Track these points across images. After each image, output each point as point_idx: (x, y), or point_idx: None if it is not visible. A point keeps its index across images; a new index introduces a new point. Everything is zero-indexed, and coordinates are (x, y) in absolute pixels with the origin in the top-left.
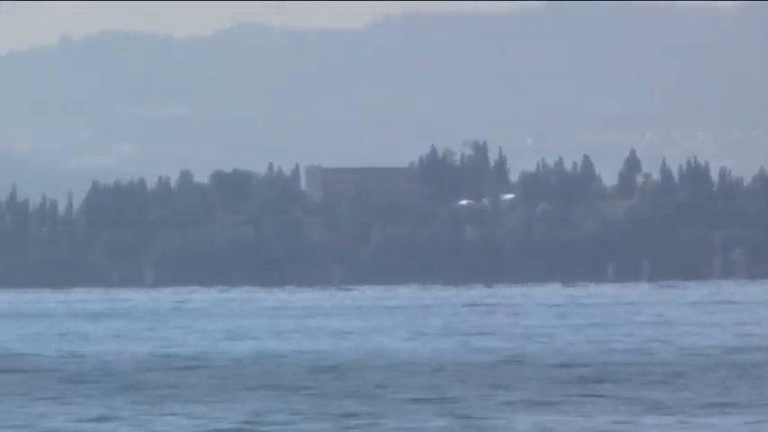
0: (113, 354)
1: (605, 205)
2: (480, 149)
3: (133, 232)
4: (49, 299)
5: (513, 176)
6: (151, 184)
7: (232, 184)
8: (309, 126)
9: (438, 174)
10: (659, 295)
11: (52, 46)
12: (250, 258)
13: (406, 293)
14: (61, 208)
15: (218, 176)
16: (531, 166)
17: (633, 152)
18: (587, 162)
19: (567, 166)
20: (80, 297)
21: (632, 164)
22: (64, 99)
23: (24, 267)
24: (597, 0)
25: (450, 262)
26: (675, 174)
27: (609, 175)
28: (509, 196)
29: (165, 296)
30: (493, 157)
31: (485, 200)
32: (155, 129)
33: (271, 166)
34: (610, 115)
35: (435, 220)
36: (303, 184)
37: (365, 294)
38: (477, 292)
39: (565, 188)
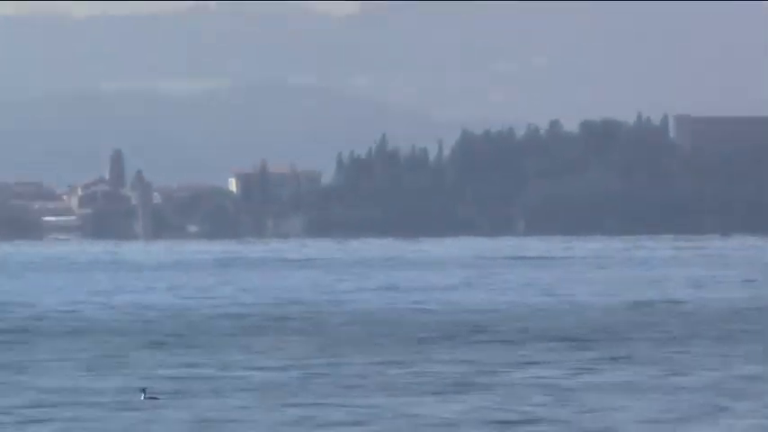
0: None
1: None
2: None
3: (503, 181)
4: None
5: None
6: (520, 132)
7: (601, 134)
8: (678, 74)
9: None
10: None
11: None
12: (619, 208)
13: None
14: (431, 156)
15: (588, 126)
16: None
17: None
18: None
19: None
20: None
21: None
22: (432, 51)
23: (395, 215)
24: None
25: None
26: None
27: None
28: None
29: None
30: None
31: None
32: (523, 77)
33: (639, 115)
34: None
35: None
36: (672, 133)
37: None
38: None
39: None
